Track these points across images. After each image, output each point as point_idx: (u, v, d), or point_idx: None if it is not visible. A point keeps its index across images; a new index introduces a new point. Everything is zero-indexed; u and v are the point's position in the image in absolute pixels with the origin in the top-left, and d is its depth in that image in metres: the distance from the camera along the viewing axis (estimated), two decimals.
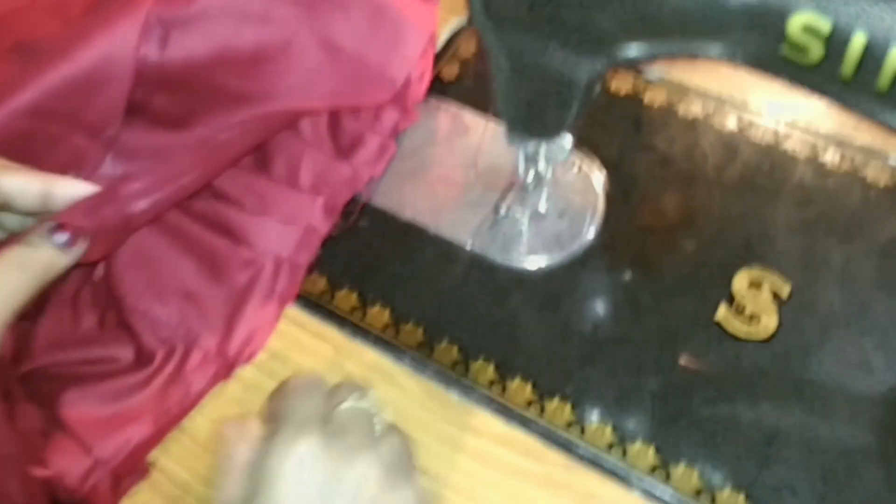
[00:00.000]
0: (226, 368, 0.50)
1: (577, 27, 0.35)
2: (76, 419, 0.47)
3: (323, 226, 0.54)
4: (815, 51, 0.30)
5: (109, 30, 0.46)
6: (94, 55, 0.45)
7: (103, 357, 0.50)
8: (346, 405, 0.39)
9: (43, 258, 0.39)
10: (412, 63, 0.55)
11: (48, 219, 0.40)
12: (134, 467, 0.48)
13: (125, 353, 0.50)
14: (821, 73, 0.30)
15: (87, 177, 0.50)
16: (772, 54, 0.31)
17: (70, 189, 0.41)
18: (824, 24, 0.29)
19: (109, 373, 0.49)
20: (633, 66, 0.59)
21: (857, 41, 0.29)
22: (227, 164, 0.51)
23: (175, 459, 0.49)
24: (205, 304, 0.51)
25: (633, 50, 0.35)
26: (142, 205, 0.44)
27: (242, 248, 0.52)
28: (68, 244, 0.40)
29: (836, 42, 0.29)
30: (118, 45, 0.46)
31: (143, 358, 0.50)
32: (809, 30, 0.29)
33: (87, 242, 0.40)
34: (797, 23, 0.30)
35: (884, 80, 0.29)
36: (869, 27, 0.29)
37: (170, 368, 0.49)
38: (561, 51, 0.37)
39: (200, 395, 0.49)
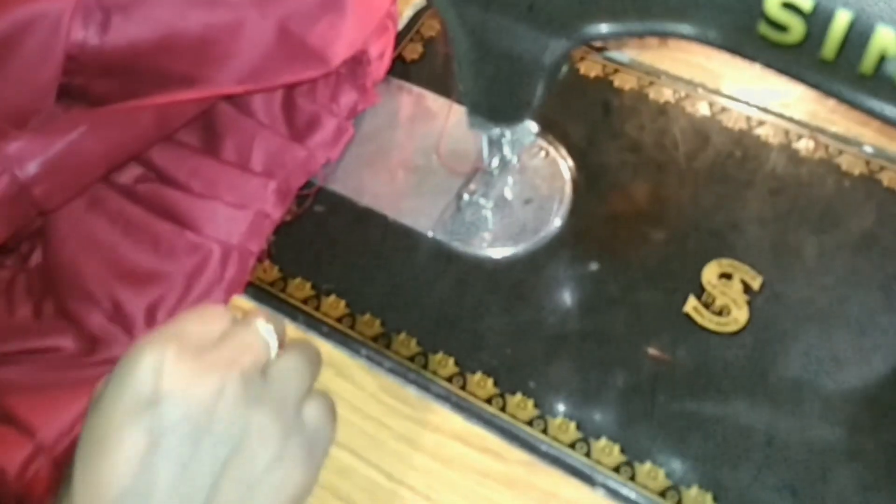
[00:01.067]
0: None
1: (544, 4, 0.33)
2: (16, 401, 0.45)
3: (275, 211, 0.52)
4: (796, 29, 0.28)
5: (30, 3, 0.42)
6: (7, 24, 0.42)
7: (42, 347, 0.47)
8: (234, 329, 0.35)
9: None
10: (354, 46, 0.52)
11: None
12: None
13: (65, 343, 0.48)
14: (800, 53, 0.28)
15: None
16: (748, 33, 0.29)
17: None
18: (806, 2, 0.27)
19: (49, 363, 0.47)
20: (601, 43, 0.57)
21: (841, 20, 0.27)
22: (143, 126, 0.48)
23: None
24: (146, 288, 0.48)
25: (600, 28, 0.33)
26: (32, 168, 0.41)
27: (188, 233, 0.49)
28: None
29: (818, 20, 0.27)
30: (42, 24, 0.42)
31: (86, 343, 0.47)
32: (790, 6, 0.27)
33: None
34: None
35: (868, 62, 0.27)
36: (853, 5, 0.27)
37: (113, 353, 0.47)
38: (525, 29, 0.35)
39: None
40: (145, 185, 0.51)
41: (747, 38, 0.29)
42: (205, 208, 0.50)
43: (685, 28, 0.31)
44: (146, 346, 0.32)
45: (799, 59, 0.29)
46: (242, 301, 0.51)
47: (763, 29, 0.29)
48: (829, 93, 0.29)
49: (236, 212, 0.50)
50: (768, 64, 0.30)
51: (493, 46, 0.37)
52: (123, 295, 0.48)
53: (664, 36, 0.32)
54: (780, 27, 0.28)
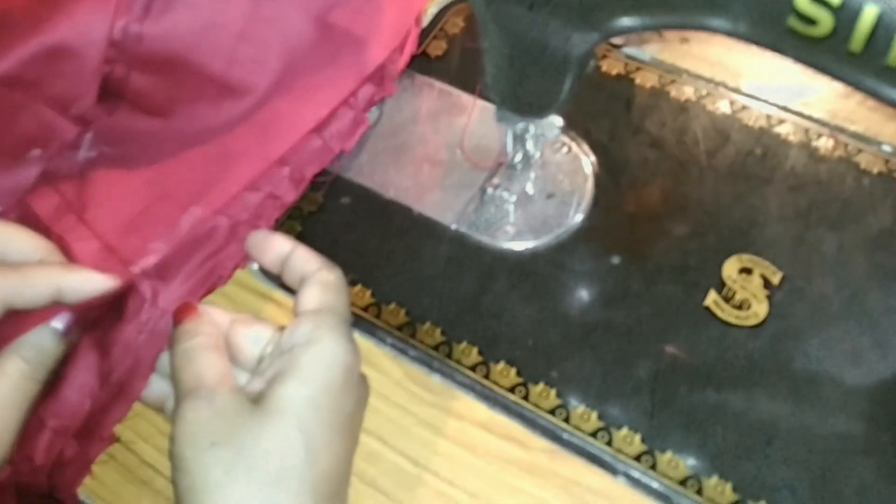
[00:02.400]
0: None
1: None
2: None
3: (288, 195, 0.52)
4: (825, 23, 0.29)
5: (81, 7, 0.44)
6: (64, 27, 0.43)
7: None
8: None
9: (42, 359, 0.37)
10: (391, 46, 0.53)
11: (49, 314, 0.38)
12: (97, 434, 0.46)
13: None
14: (828, 46, 0.29)
15: (60, 155, 0.48)
16: (778, 26, 0.30)
17: (87, 286, 0.38)
18: None
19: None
20: (623, 41, 0.58)
21: (869, 13, 0.28)
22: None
23: (143, 437, 0.47)
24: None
25: (632, 21, 0.34)
26: (151, 259, 0.45)
27: (194, 207, 0.50)
28: (66, 332, 0.38)
29: (846, 14, 0.28)
30: (89, 15, 0.44)
31: None
32: (819, 0, 0.28)
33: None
34: None
35: (894, 55, 0.28)
36: (881, 1, 0.28)
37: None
38: (557, 23, 0.36)
39: (143, 348, 0.47)
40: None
41: (777, 31, 0.30)
42: (213, 186, 0.50)
43: (716, 21, 0.31)
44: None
45: (827, 51, 0.30)
46: (271, 291, 0.52)
47: (793, 22, 0.29)
48: (855, 85, 0.30)
49: (248, 192, 0.51)
50: (797, 57, 0.31)
51: (524, 40, 0.38)
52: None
53: (695, 29, 0.32)
54: (810, 20, 0.29)
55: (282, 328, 0.41)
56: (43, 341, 0.37)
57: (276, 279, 0.51)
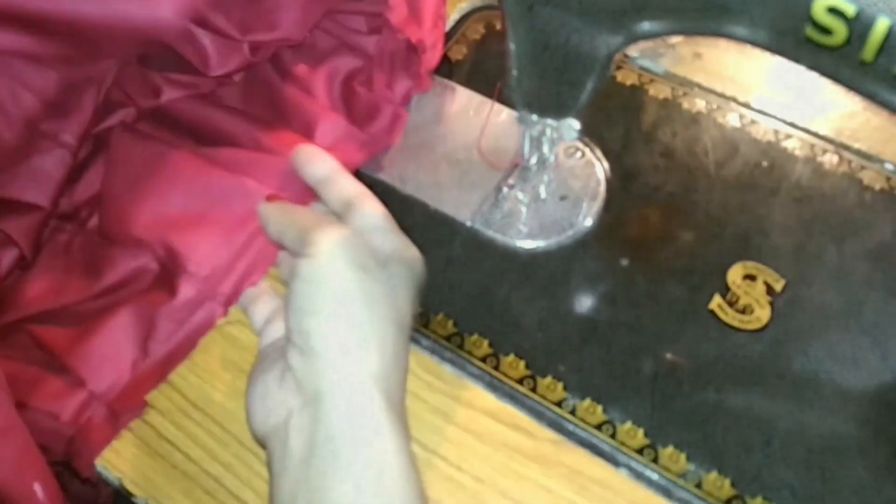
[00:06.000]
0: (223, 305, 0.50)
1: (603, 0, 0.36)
2: (67, 354, 0.47)
3: None
4: (839, 33, 0.31)
5: None
6: None
7: (99, 292, 0.50)
8: None
9: None
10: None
11: None
12: (130, 403, 0.48)
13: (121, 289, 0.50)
14: (842, 55, 0.31)
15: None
16: (795, 35, 0.32)
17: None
18: (849, 8, 0.30)
19: (100, 313, 0.49)
20: (638, 54, 0.60)
21: (882, 25, 0.30)
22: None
23: (161, 412, 0.48)
24: (198, 231, 0.51)
25: (655, 26, 0.36)
26: None
27: (247, 179, 0.51)
28: None
29: (860, 25, 0.30)
30: None
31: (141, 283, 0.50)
32: (835, 12, 0.30)
33: None
34: (823, 4, 0.30)
35: None
36: (893, 14, 0.30)
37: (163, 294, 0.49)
38: (583, 25, 0.38)
39: (194, 329, 0.49)
40: (207, 148, 0.54)
41: (794, 40, 0.32)
42: (267, 162, 0.52)
43: (737, 29, 0.33)
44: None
45: (840, 60, 0.31)
46: None
47: (809, 31, 0.31)
48: (866, 93, 0.32)
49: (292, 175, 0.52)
50: (812, 65, 0.33)
51: (552, 41, 0.40)
52: (174, 240, 0.50)
53: (715, 36, 0.34)
54: (826, 30, 0.31)
55: None
56: None
57: None
